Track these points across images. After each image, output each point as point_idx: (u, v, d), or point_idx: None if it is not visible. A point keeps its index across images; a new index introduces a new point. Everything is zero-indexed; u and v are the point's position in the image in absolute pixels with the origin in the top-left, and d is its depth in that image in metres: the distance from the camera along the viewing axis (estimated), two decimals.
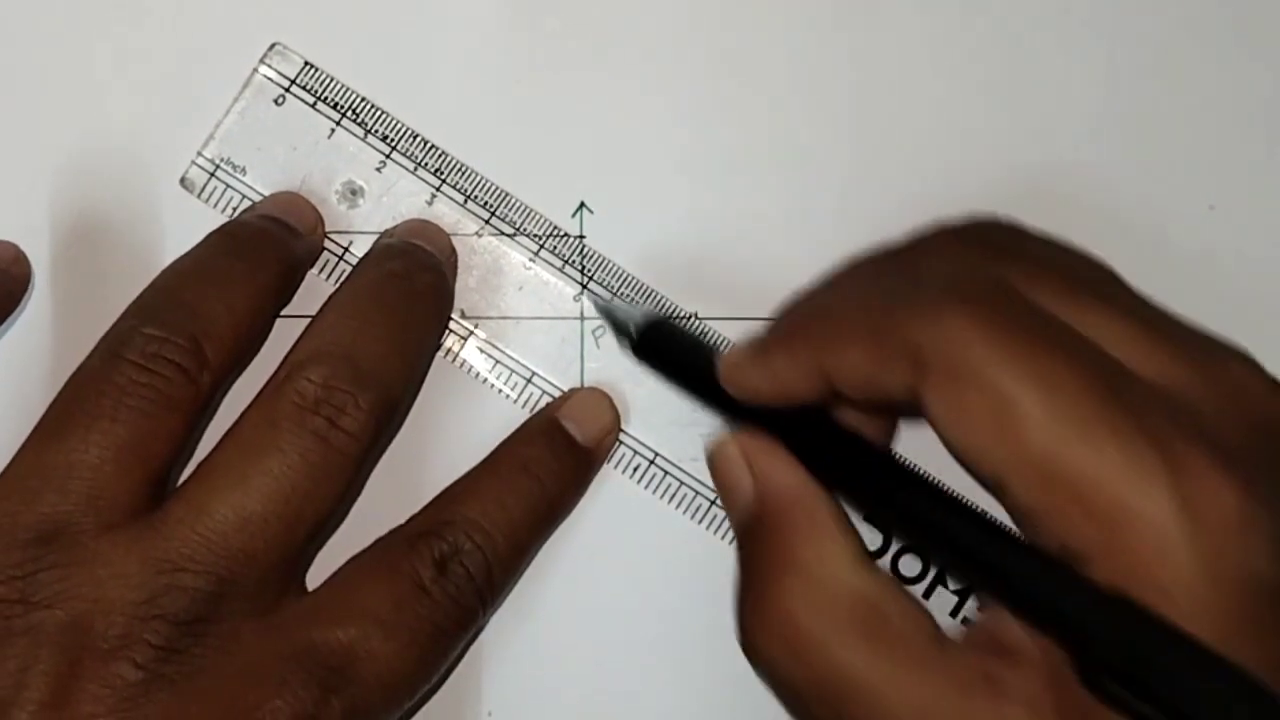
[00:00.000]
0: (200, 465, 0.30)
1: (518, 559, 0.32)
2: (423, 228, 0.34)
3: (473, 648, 0.34)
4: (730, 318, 0.34)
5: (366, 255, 0.33)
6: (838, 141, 0.35)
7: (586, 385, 0.34)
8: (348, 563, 0.31)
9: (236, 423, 0.30)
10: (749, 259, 0.34)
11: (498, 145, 0.34)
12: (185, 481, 0.30)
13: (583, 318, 0.34)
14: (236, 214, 0.34)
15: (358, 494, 0.33)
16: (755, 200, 0.34)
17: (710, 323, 0.34)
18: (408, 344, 0.31)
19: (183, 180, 0.34)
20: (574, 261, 0.34)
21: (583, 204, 0.34)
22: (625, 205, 0.34)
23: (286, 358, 0.31)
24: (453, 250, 0.34)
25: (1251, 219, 0.35)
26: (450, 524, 0.31)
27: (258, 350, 0.33)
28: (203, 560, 0.28)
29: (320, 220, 0.34)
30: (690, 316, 0.34)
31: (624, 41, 0.35)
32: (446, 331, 0.34)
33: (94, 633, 0.28)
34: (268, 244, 0.32)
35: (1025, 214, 0.34)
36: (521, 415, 0.34)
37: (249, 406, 0.30)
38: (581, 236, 0.34)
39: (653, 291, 0.34)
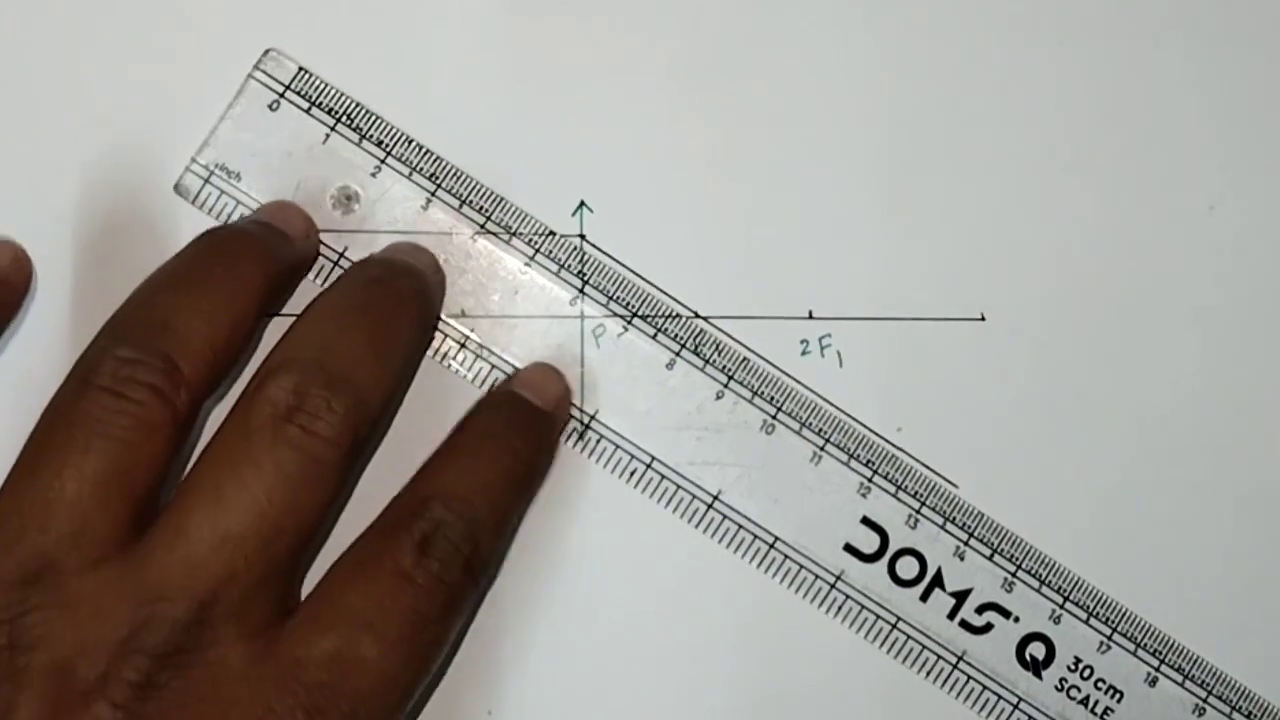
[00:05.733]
0: (179, 486, 0.29)
1: (500, 523, 0.31)
2: (406, 246, 0.33)
3: (473, 647, 0.34)
4: (730, 317, 0.34)
5: (346, 269, 0.33)
6: (839, 140, 0.34)
7: (575, 385, 0.34)
8: (329, 569, 0.30)
9: (212, 438, 0.29)
10: (749, 259, 0.34)
11: (497, 144, 0.34)
12: (166, 505, 0.29)
13: (582, 318, 0.34)
14: (230, 220, 0.34)
15: (344, 502, 0.33)
16: (756, 200, 0.34)
17: (711, 322, 0.34)
18: (384, 347, 0.30)
19: (177, 186, 0.34)
20: (571, 265, 0.34)
21: (583, 203, 0.34)
22: (625, 205, 0.34)
23: (259, 368, 0.30)
24: (438, 268, 0.34)
25: (1251, 219, 0.35)
26: (425, 501, 0.30)
27: (247, 356, 0.32)
28: (182, 585, 0.28)
29: (312, 225, 0.33)
30: (690, 316, 0.34)
31: (623, 41, 0.34)
32: (442, 335, 0.34)
33: (75, 675, 0.27)
34: (249, 246, 0.31)
35: (1024, 213, 0.34)
36: None
37: (224, 421, 0.30)
38: (582, 236, 0.34)
39: (652, 293, 0.34)
